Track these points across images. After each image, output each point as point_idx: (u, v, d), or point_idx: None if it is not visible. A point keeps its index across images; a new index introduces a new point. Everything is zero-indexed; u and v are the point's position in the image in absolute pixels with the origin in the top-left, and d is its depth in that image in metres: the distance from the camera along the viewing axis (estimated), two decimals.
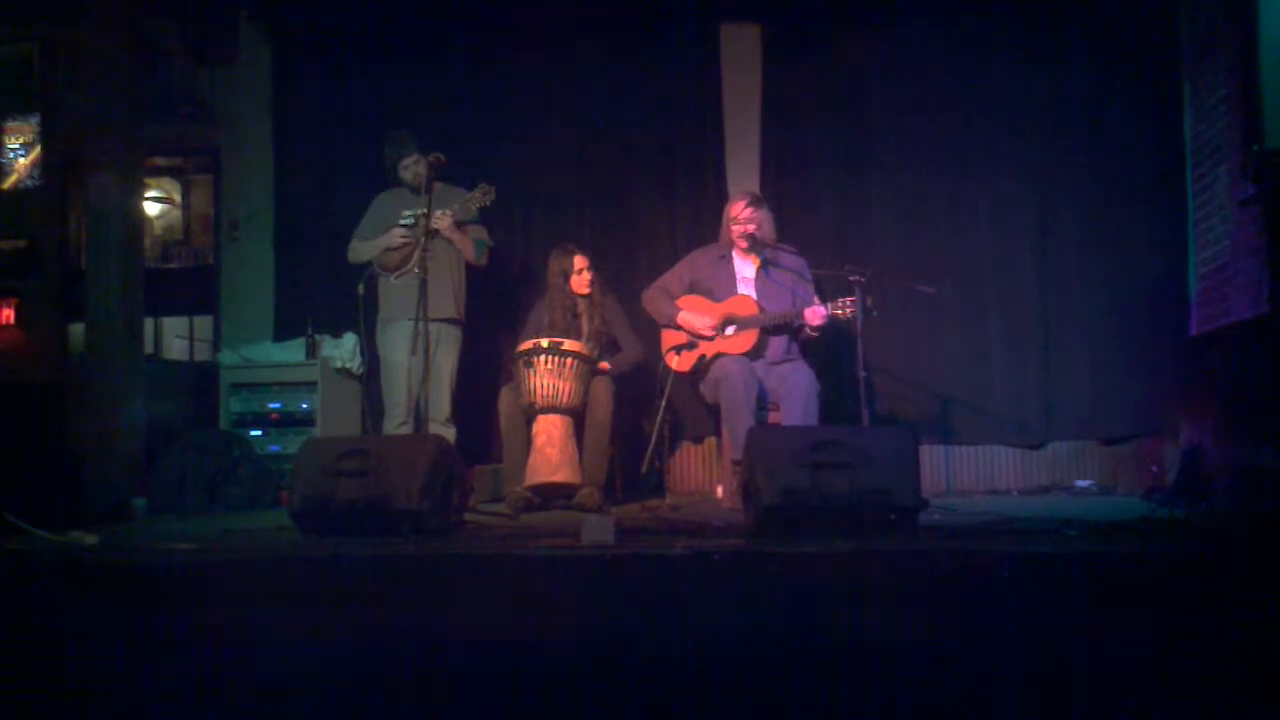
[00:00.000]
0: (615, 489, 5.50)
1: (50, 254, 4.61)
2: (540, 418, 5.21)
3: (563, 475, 5.13)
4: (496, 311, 6.26)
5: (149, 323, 6.35)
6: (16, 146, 4.73)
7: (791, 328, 5.36)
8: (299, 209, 6.80)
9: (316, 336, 6.30)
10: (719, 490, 5.64)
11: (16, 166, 4.73)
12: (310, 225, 6.72)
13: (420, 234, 5.26)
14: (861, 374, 4.98)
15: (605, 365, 5.44)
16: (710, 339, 5.39)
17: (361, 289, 5.40)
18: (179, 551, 3.46)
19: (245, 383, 6.23)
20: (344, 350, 6.25)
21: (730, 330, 5.38)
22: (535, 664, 3.04)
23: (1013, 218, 6.22)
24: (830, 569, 3.09)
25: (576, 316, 5.61)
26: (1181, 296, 5.89)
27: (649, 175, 6.60)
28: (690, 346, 5.43)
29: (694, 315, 5.43)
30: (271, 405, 6.17)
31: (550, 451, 5.13)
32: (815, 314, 5.19)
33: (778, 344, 5.40)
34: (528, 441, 5.25)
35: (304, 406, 6.15)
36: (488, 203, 5.49)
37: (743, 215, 5.45)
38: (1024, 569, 3.04)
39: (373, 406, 5.99)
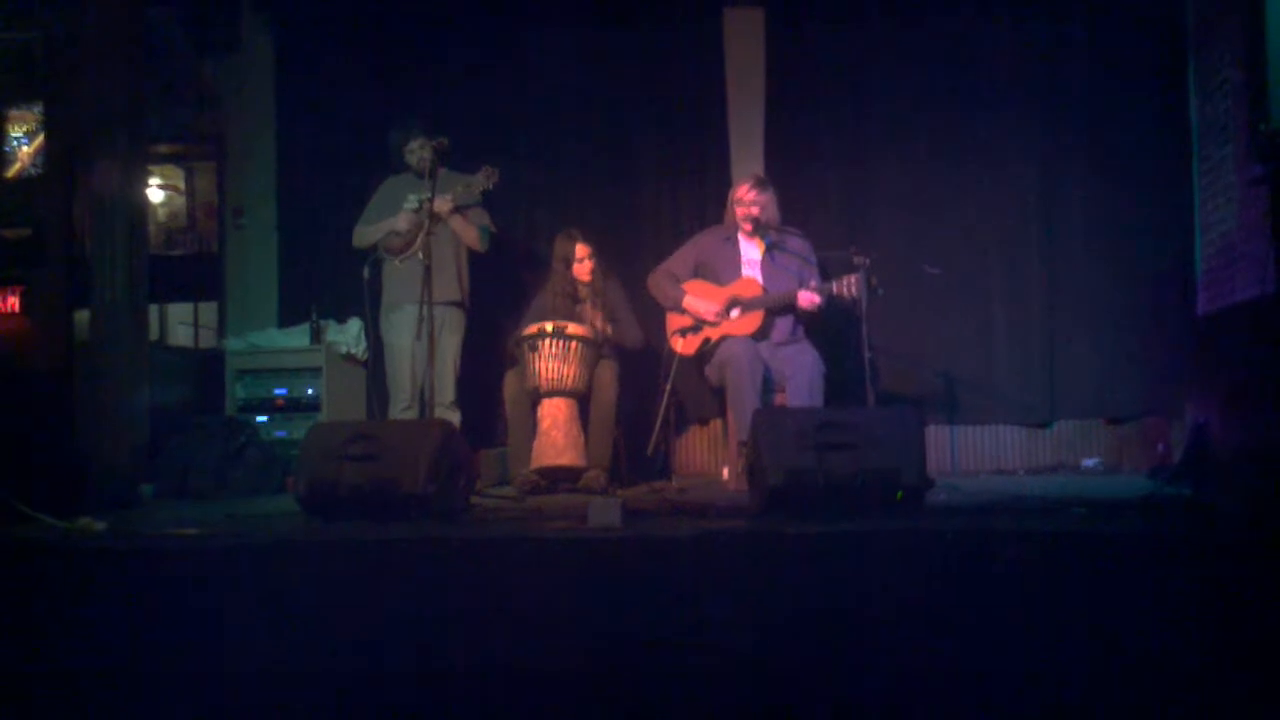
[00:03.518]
0: (621, 471, 5.50)
1: (55, 242, 4.60)
2: (545, 401, 5.22)
3: (568, 458, 5.14)
4: (500, 295, 6.25)
5: (154, 310, 6.35)
6: (20, 135, 4.72)
7: (796, 308, 5.36)
8: (302, 195, 6.79)
9: (321, 322, 6.29)
10: (725, 472, 5.64)
11: (20, 155, 4.72)
12: (314, 211, 6.72)
13: (424, 218, 5.25)
14: (867, 354, 4.98)
15: (606, 328, 5.46)
16: (715, 323, 5.39)
17: (367, 273, 5.39)
18: (186, 537, 3.46)
19: (250, 369, 6.22)
20: (349, 335, 6.25)
21: (735, 312, 5.38)
22: (542, 647, 3.05)
23: (1017, 197, 6.22)
24: (836, 549, 3.09)
25: (579, 302, 5.60)
26: (1188, 276, 5.90)
27: (652, 158, 6.59)
28: (695, 329, 5.43)
29: (699, 299, 5.43)
30: (277, 391, 6.17)
31: (555, 435, 5.14)
32: (806, 298, 5.20)
33: (783, 325, 5.40)
34: (533, 425, 5.26)
35: (309, 392, 6.15)
36: (491, 185, 5.48)
37: (747, 197, 5.45)
38: (1030, 548, 3.04)
39: (378, 391, 5.99)
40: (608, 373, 5.33)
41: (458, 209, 5.61)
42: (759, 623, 3.03)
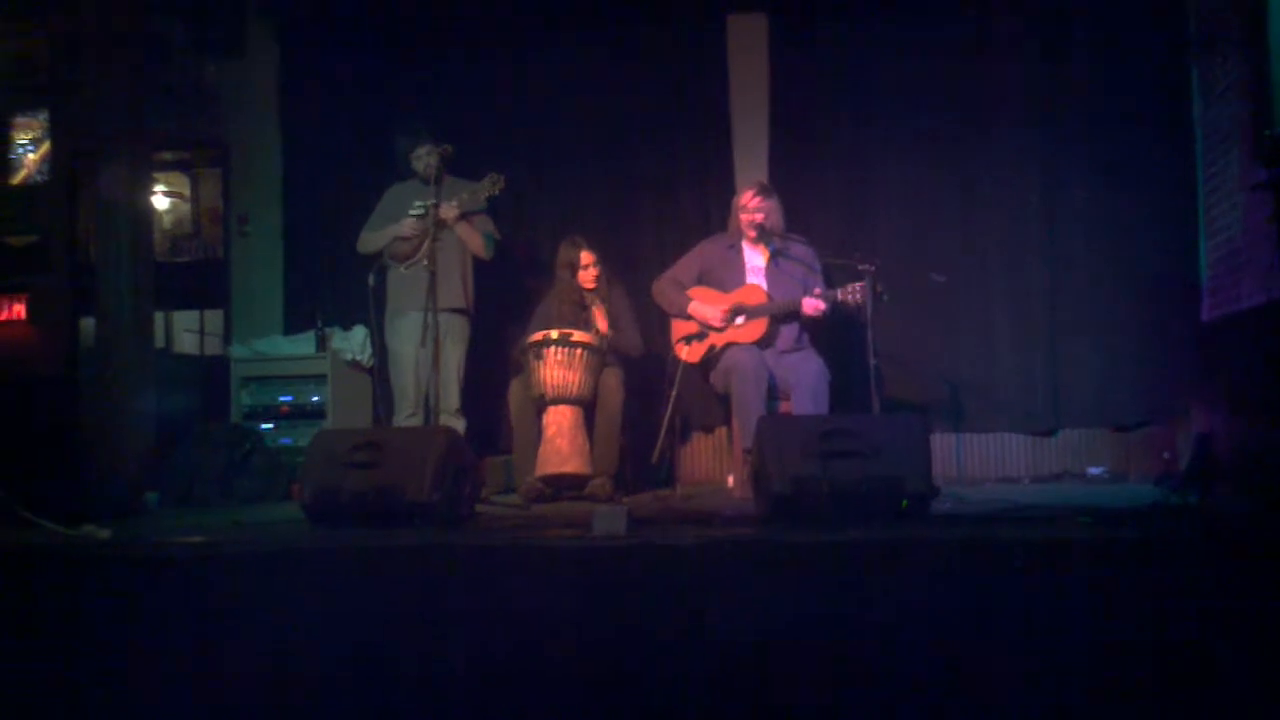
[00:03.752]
0: (626, 479, 5.49)
1: (60, 249, 4.60)
2: (550, 408, 5.21)
3: (573, 466, 5.13)
4: (505, 303, 6.25)
5: (159, 317, 6.36)
6: (26, 142, 4.74)
7: (801, 315, 5.35)
8: (308, 201, 6.80)
9: (326, 329, 6.31)
10: (730, 480, 5.64)
11: (26, 162, 4.73)
12: (319, 217, 6.73)
13: (429, 224, 5.25)
14: (872, 362, 4.97)
15: (604, 327, 5.45)
16: (720, 329, 5.38)
17: (372, 280, 5.39)
18: (190, 545, 3.46)
19: (256, 376, 6.23)
20: (354, 342, 6.26)
21: (740, 320, 5.38)
22: (547, 655, 3.05)
23: (1021, 205, 6.19)
24: (841, 558, 3.09)
25: (584, 309, 5.60)
26: (1192, 283, 5.87)
27: (656, 165, 6.58)
28: (700, 337, 5.43)
29: (704, 305, 5.43)
30: (282, 398, 6.18)
31: (561, 442, 5.13)
32: (811, 305, 5.20)
33: (788, 333, 5.40)
34: (538, 432, 5.25)
35: (315, 399, 6.16)
36: (497, 192, 5.47)
37: (751, 204, 5.45)
38: (1036, 557, 3.04)
39: (384, 398, 5.99)
40: (613, 380, 5.33)
41: (463, 215, 5.61)
42: (762, 630, 3.02)
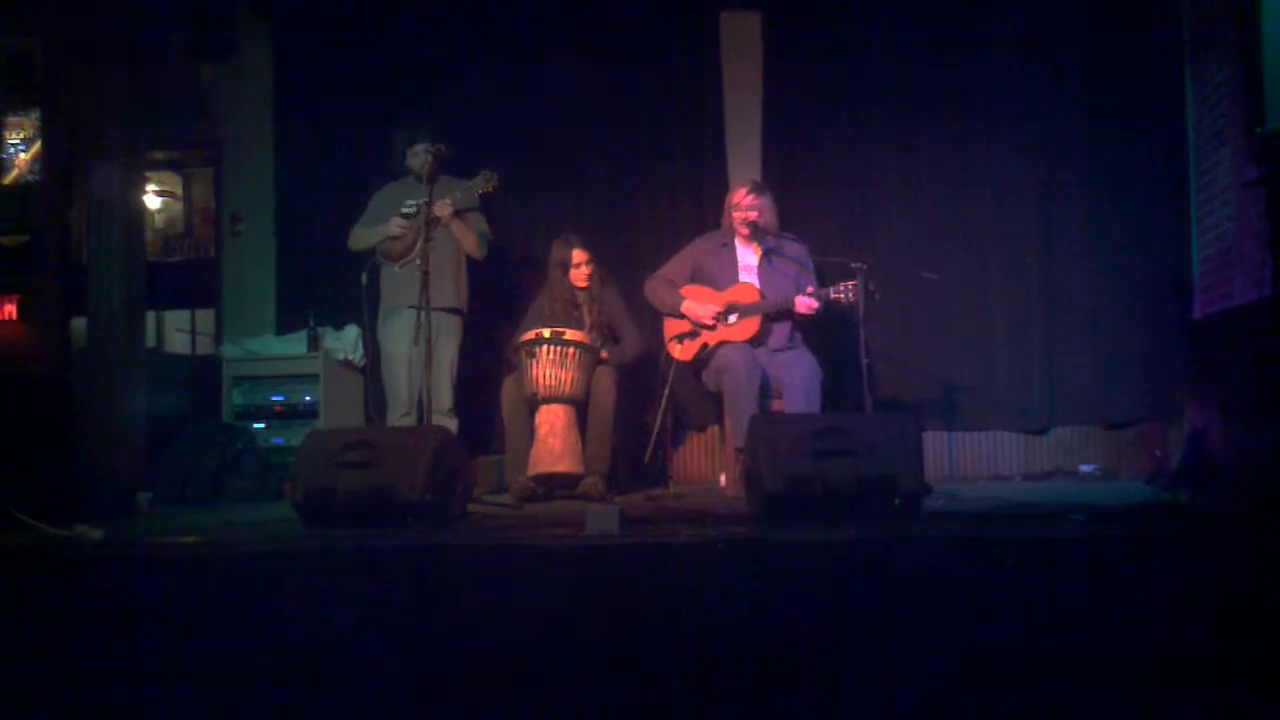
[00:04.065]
0: (618, 478, 5.48)
1: (52, 249, 4.60)
2: (543, 408, 5.20)
3: (566, 465, 5.12)
4: (498, 302, 6.25)
5: (151, 317, 6.34)
6: (18, 141, 4.72)
7: (793, 314, 5.35)
8: (300, 201, 6.79)
9: (319, 328, 6.30)
10: (722, 479, 5.64)
11: (18, 161, 4.72)
12: (312, 217, 6.72)
13: (422, 223, 5.24)
14: (864, 361, 4.98)
15: (603, 355, 5.43)
16: (713, 328, 5.38)
17: (365, 279, 5.39)
18: (183, 545, 3.46)
19: (248, 375, 6.23)
20: (346, 342, 6.25)
21: (732, 318, 5.37)
22: (539, 654, 3.05)
23: (1015, 204, 6.22)
24: (834, 556, 3.09)
25: (577, 308, 5.59)
26: (1184, 280, 5.89)
27: (650, 163, 6.59)
28: (693, 335, 5.43)
29: (697, 304, 5.42)
30: (274, 398, 6.17)
31: (553, 441, 5.13)
32: (804, 304, 5.20)
33: (780, 331, 5.40)
34: (530, 432, 5.24)
35: (307, 399, 6.15)
36: (490, 189, 5.47)
37: (744, 202, 5.44)
38: (1028, 554, 3.04)
39: (376, 398, 5.99)
40: (605, 379, 5.32)
41: (457, 213, 5.60)
42: (755, 629, 3.03)
